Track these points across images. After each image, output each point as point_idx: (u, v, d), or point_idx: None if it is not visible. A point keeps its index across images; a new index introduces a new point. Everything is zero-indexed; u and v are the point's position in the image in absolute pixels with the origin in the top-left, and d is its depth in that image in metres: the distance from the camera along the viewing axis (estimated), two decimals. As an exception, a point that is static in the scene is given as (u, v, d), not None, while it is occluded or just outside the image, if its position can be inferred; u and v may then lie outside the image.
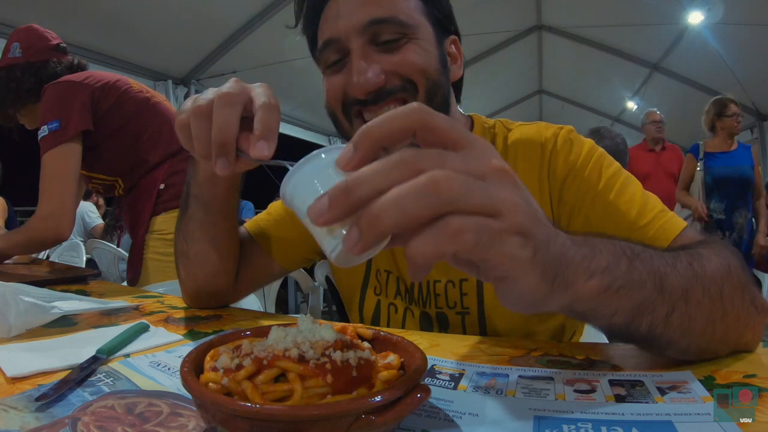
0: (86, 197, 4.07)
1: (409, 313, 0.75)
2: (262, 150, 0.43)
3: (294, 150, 0.78)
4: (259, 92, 0.47)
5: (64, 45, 1.43)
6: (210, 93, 0.48)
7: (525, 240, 0.31)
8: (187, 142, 0.50)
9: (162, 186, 1.38)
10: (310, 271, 1.84)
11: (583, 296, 0.36)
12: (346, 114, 0.68)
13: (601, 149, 0.70)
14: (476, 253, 0.30)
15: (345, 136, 0.70)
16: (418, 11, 0.67)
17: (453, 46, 0.72)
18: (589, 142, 0.70)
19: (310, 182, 0.34)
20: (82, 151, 1.27)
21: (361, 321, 0.80)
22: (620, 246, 0.40)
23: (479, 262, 0.33)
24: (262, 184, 0.81)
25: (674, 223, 0.61)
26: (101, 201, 4.36)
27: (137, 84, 1.44)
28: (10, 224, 3.10)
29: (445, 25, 0.70)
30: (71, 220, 1.25)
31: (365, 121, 0.64)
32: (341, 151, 0.32)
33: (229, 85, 0.48)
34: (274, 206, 0.85)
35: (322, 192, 0.31)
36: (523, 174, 0.69)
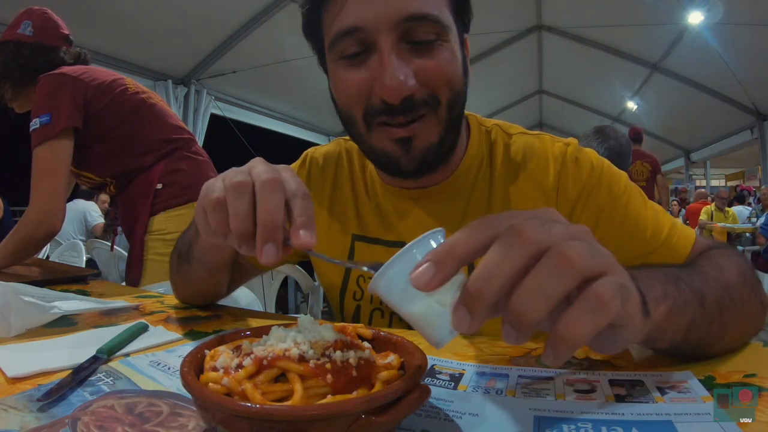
0: (88, 197, 4.07)
1: (396, 318, 0.74)
2: (306, 238, 0.41)
3: (292, 149, 0.77)
4: (289, 179, 0.44)
5: (72, 37, 1.42)
6: (242, 176, 0.43)
7: (631, 287, 0.32)
8: (220, 224, 0.44)
9: (159, 186, 1.37)
10: (310, 271, 1.83)
11: (658, 323, 0.39)
12: (366, 120, 0.61)
13: (606, 162, 0.68)
14: (620, 313, 0.29)
15: (357, 141, 0.65)
16: (447, 5, 0.60)
17: (465, 46, 0.65)
18: (593, 157, 0.68)
19: (403, 283, 0.32)
20: (72, 148, 1.27)
21: None
22: (663, 273, 0.44)
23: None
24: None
25: (686, 235, 0.64)
26: (101, 198, 4.35)
27: (133, 84, 1.42)
28: (4, 223, 3.09)
29: (465, 21, 0.64)
30: (62, 215, 1.26)
31: (391, 134, 0.60)
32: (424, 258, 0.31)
33: (265, 169, 0.43)
34: None
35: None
36: (527, 189, 0.67)
